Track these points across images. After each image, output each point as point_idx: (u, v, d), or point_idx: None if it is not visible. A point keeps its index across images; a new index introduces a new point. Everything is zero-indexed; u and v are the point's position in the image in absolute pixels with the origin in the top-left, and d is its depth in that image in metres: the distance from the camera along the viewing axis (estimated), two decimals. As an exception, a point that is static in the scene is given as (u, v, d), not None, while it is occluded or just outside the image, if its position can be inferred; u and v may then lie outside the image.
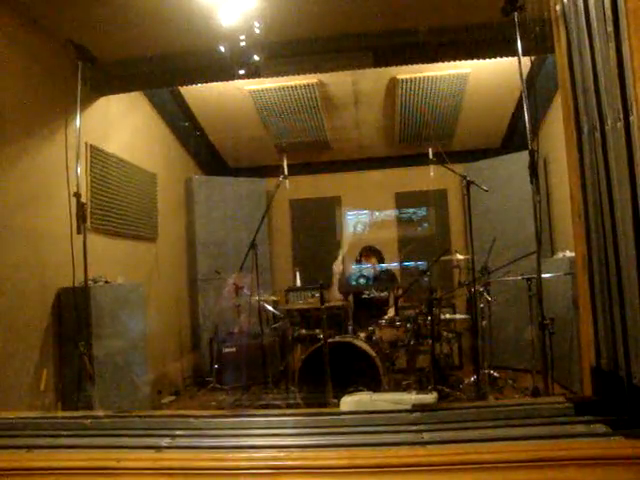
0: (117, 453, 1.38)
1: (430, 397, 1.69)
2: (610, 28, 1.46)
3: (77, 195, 3.15)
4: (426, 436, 1.48)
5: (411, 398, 1.67)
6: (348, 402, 1.71)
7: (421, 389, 4.08)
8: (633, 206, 1.48)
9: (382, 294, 4.74)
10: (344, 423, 1.61)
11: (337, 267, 4.82)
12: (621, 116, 1.45)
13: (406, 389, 4.14)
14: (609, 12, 1.47)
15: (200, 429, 1.58)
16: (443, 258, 4.50)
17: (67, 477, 1.31)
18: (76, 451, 1.44)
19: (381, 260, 4.89)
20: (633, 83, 1.43)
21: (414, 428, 1.53)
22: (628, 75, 1.42)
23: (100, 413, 1.77)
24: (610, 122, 1.49)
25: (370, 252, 4.86)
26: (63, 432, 1.57)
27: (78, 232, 3.13)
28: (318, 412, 1.80)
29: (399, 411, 1.63)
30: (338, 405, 3.32)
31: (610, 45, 1.48)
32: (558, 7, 1.75)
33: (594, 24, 1.56)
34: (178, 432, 1.54)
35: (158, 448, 1.44)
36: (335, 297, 4.76)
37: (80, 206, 3.12)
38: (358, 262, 4.91)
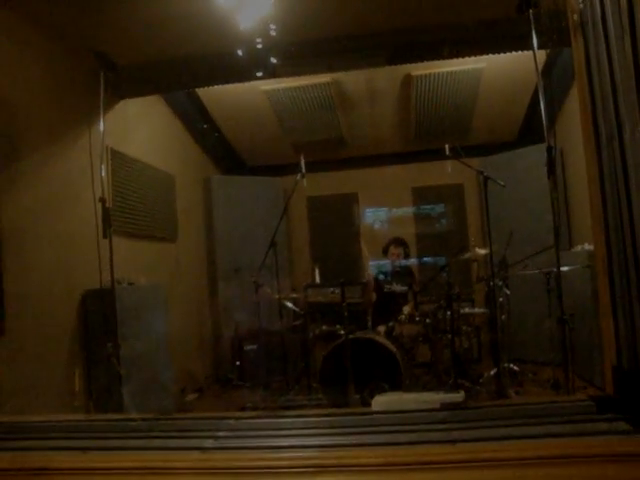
0: (165, 454, 1.47)
1: (458, 396, 1.75)
2: (628, 40, 1.51)
3: (102, 200, 3.22)
4: (455, 434, 1.55)
5: (440, 397, 1.74)
6: (380, 402, 1.78)
7: (442, 383, 4.14)
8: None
9: (401, 288, 4.79)
10: (377, 422, 1.68)
11: (369, 276, 4.98)
12: (639, 127, 1.49)
13: (427, 385, 4.20)
14: (626, 24, 1.51)
15: (241, 430, 1.67)
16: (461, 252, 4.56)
17: (120, 477, 1.40)
18: (127, 452, 1.53)
19: (407, 252, 4.99)
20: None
21: (443, 427, 1.60)
22: (646, 87, 1.47)
23: (146, 415, 1.86)
24: (628, 131, 1.54)
25: (398, 244, 4.96)
26: (113, 434, 1.67)
27: (104, 236, 3.21)
28: (352, 412, 1.88)
29: (429, 410, 1.70)
30: (360, 401, 3.43)
31: (628, 57, 1.52)
32: (576, 16, 1.78)
33: (612, 35, 1.60)
34: (220, 433, 1.63)
35: (203, 449, 1.52)
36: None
37: (105, 210, 3.20)
38: (385, 253, 4.99)
